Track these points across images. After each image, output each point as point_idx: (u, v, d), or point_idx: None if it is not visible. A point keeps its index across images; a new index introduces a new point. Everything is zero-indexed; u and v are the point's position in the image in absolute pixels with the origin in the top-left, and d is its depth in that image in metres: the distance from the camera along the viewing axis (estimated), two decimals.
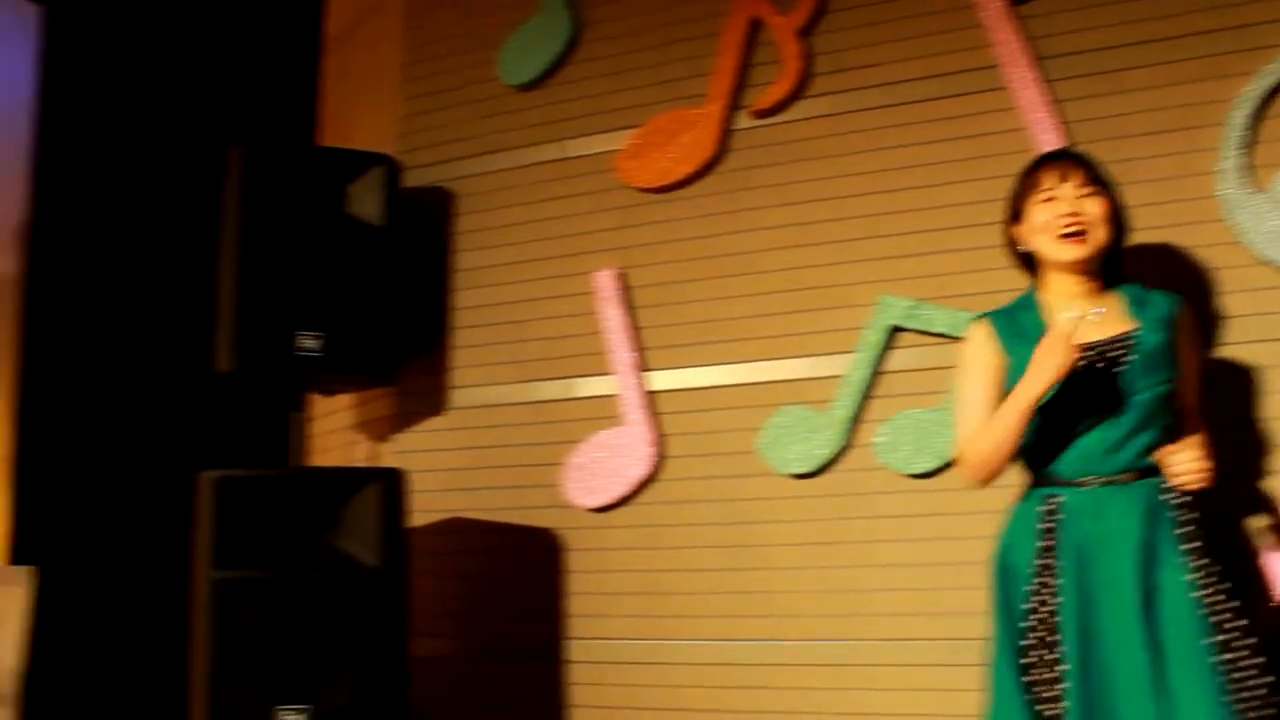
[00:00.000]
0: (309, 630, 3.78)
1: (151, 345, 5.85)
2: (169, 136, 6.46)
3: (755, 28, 4.22)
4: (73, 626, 6.75)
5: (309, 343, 3.95)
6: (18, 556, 6.61)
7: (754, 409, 4.06)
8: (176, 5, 6.87)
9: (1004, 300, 3.22)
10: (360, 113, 5.13)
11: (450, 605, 4.44)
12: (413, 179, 4.57)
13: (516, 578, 4.36)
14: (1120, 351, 2.96)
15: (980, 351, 3.11)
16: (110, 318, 6.60)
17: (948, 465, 3.73)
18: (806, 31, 4.14)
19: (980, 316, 3.19)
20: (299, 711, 3.75)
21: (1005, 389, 3.00)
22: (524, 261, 4.48)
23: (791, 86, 4.14)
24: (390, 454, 4.52)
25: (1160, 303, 3.08)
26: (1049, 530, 2.93)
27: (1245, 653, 2.75)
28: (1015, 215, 3.18)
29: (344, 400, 4.75)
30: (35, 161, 7.48)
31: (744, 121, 4.23)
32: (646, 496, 4.19)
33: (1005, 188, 3.19)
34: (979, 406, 3.05)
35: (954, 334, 3.73)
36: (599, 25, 4.49)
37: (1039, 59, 3.81)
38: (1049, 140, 3.70)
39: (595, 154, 4.43)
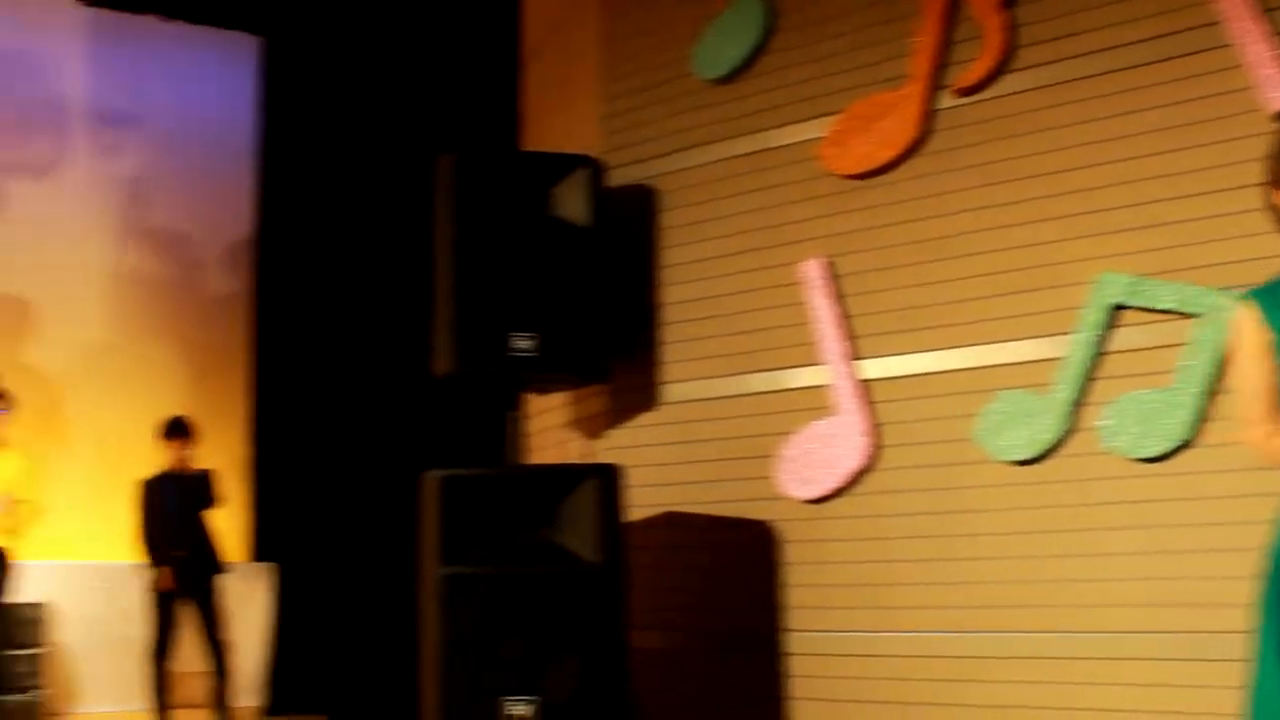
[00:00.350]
0: (532, 624, 3.88)
1: (373, 351, 6.12)
2: (381, 150, 6.74)
3: (955, 3, 4.11)
4: (310, 619, 7.13)
5: (523, 344, 4.05)
6: (259, 554, 7.04)
7: (970, 395, 3.95)
8: (383, 30, 7.18)
9: (1239, 271, 3.04)
10: (561, 117, 5.23)
11: (667, 598, 4.48)
12: (616, 178, 4.63)
13: (733, 570, 4.37)
14: None
15: (1247, 334, 2.90)
16: (333, 327, 6.94)
17: (1182, 447, 3.55)
18: (1009, 3, 4.01)
19: (1243, 296, 2.98)
20: (525, 702, 3.84)
21: None
22: (729, 255, 4.48)
23: (995, 61, 4.01)
24: (604, 450, 4.59)
25: None
26: None
27: None
28: (1276, 177, 2.95)
29: (558, 399, 4.85)
30: (260, 182, 7.93)
31: (947, 101, 4.12)
32: (862, 487, 4.14)
33: (1233, 152, 3.02)
34: (1257, 394, 2.85)
35: (1183, 310, 3.55)
36: (793, 13, 4.45)
37: (1266, 10, 3.58)
38: None
39: (796, 143, 4.39)
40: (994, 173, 4.01)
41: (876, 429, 4.12)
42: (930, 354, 4.05)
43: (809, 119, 4.37)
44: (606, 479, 3.98)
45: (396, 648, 5.19)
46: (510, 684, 3.85)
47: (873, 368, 4.15)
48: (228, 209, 8.86)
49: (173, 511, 6.44)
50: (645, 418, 4.59)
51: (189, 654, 6.55)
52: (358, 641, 5.92)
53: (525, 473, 4.32)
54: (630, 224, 4.66)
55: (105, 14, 8.41)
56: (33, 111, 8.81)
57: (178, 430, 6.57)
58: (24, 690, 6.68)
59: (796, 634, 4.22)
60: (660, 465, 4.49)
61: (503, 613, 3.86)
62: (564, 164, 4.36)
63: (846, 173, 4.27)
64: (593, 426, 4.72)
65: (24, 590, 6.44)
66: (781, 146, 4.43)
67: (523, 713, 3.84)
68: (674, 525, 4.49)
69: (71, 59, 8.92)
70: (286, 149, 7.73)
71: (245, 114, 8.16)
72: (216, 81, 9.03)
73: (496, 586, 3.86)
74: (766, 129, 4.47)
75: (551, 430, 4.93)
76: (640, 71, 4.80)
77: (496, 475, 4.10)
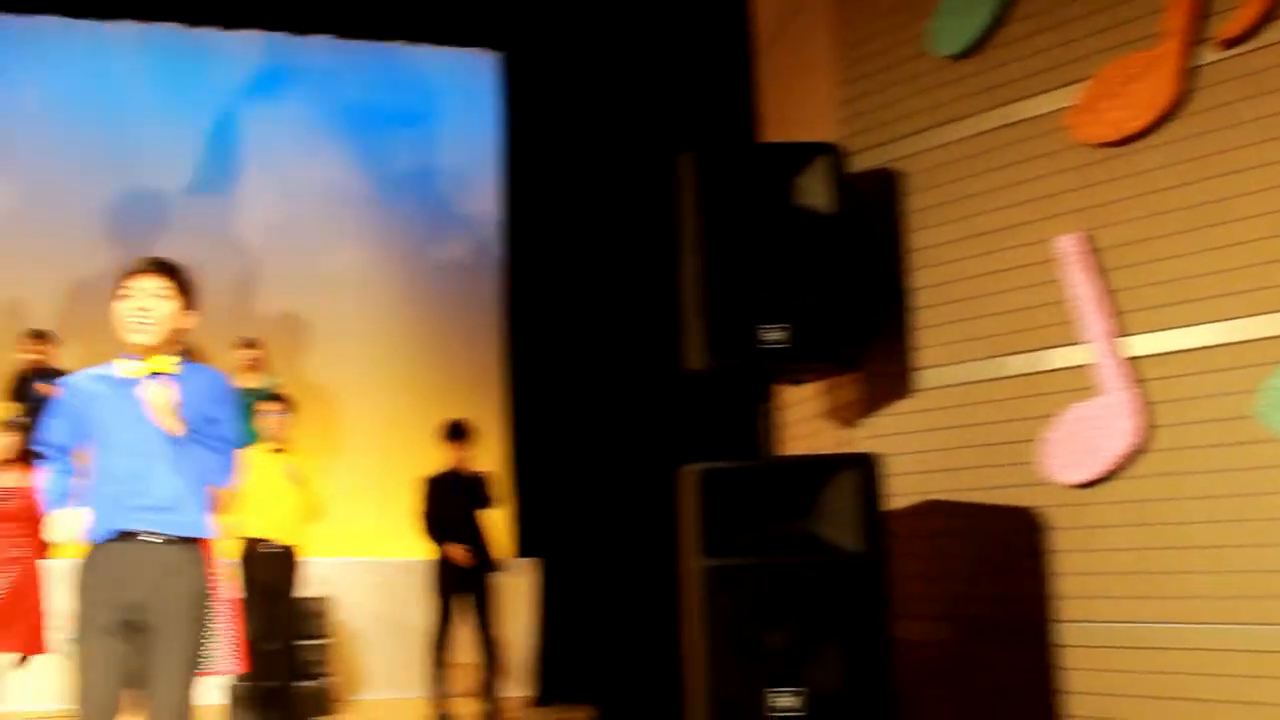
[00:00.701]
0: (795, 615, 3.87)
1: (624, 350, 6.25)
2: (620, 151, 6.87)
3: None
4: (575, 612, 7.35)
5: (774, 335, 4.05)
6: (523, 550, 7.31)
7: (1249, 369, 3.72)
8: (615, 34, 7.31)
9: None
10: (798, 105, 5.20)
11: (930, 588, 4.40)
12: (858, 163, 4.58)
13: (998, 559, 4.25)
14: None
15: None
16: (585, 328, 7.13)
17: None
18: None
19: None
20: (790, 694, 3.84)
21: None
22: (980, 234, 4.36)
23: (1266, 5, 3.74)
24: (860, 439, 4.55)
25: None
26: None
27: None
28: None
29: (810, 389, 4.83)
30: (506, 192, 8.22)
31: (1209, 55, 3.88)
32: (1133, 470, 3.95)
33: None
34: None
35: None
36: None
37: None
38: None
39: (1043, 114, 4.23)
40: (1268, 128, 3.75)
41: (1147, 408, 3.93)
42: (1205, 327, 3.83)
43: (1056, 88, 4.20)
44: (865, 468, 3.94)
45: (660, 639, 5.29)
46: (775, 675, 3.86)
47: (1141, 344, 3.95)
48: (477, 221, 9.25)
49: (452, 510, 6.78)
50: (901, 405, 4.52)
51: (463, 646, 6.87)
52: (622, 634, 6.06)
53: (783, 464, 4.32)
54: (875, 209, 4.59)
55: (362, 42, 8.93)
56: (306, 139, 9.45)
57: (458, 432, 6.91)
58: (314, 678, 7.13)
59: (1068, 625, 4.07)
60: (918, 452, 4.42)
61: (765, 604, 3.87)
62: (804, 153, 4.32)
63: (1100, 141, 4.08)
64: (847, 415, 4.68)
65: (311, 585, 6.90)
66: (1028, 119, 4.28)
67: (788, 704, 3.84)
68: (935, 513, 4.40)
69: (330, 80, 9.51)
70: (529, 157, 7.98)
71: (488, 126, 8.48)
72: (460, 97, 9.43)
73: (758, 578, 3.88)
74: (1012, 101, 4.33)
75: (805, 421, 4.92)
76: (877, 53, 4.72)
77: (754, 468, 4.12)
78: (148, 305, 3.30)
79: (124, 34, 9.07)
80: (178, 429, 3.27)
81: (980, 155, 4.39)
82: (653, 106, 6.82)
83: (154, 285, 3.33)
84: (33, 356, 7.87)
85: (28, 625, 5.98)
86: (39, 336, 8.02)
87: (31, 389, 7.56)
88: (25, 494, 5.91)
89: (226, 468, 3.41)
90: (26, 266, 9.01)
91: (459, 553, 6.64)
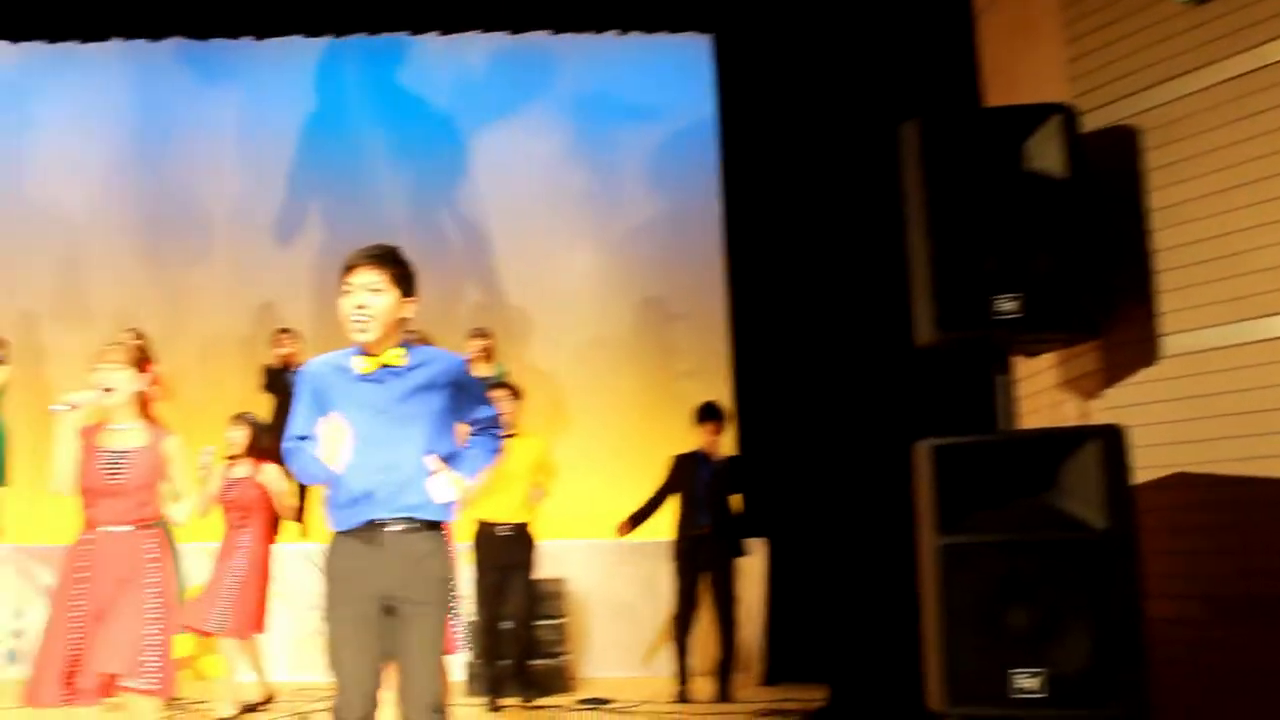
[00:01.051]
0: (1038, 593, 3.74)
1: (850, 325, 6.19)
2: (838, 124, 6.78)
3: None
4: (806, 591, 7.32)
5: (1007, 305, 3.92)
6: (751, 529, 7.33)
7: None
8: (828, 7, 7.21)
9: None
10: (1024, 65, 5.00)
11: (1181, 564, 4.18)
12: (1090, 123, 4.37)
13: (1250, 534, 4.00)
14: None
15: None
16: (810, 304, 7.08)
17: None
18: None
19: None
20: (1033, 675, 3.72)
21: None
22: (1226, 190, 4.10)
23: None
24: (1101, 410, 4.35)
25: None
26: None
27: None
28: None
29: (1047, 359, 4.66)
30: (723, 170, 8.24)
31: None
32: None
33: None
34: None
35: None
36: None
37: None
38: None
39: None
40: None
41: None
42: None
43: None
44: (1110, 440, 3.77)
45: (894, 619, 5.21)
46: (1018, 656, 3.75)
47: None
48: (697, 203, 9.31)
49: (700, 491, 6.88)
50: (1144, 373, 4.30)
51: (702, 626, 6.96)
52: (855, 613, 6.00)
53: (1021, 438, 4.17)
54: (1111, 170, 4.38)
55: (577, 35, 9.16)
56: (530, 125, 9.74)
57: (711, 414, 7.02)
58: (552, 656, 7.34)
59: None
60: (1165, 423, 4.20)
61: (1006, 582, 3.76)
62: (1033, 115, 4.16)
63: None
64: (1087, 386, 4.49)
65: (547, 567, 7.09)
66: (1276, 63, 4.00)
67: (1032, 685, 3.72)
68: (1181, 486, 4.18)
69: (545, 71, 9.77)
70: (747, 138, 7.98)
71: (705, 110, 8.51)
72: (673, 83, 9.52)
73: (998, 555, 3.77)
74: (1256, 46, 4.04)
75: (1043, 393, 4.74)
76: (1106, 4, 4.49)
77: (991, 442, 3.99)
78: (364, 301, 3.31)
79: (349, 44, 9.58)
80: (409, 420, 3.32)
81: (1225, 105, 4.12)
82: (869, 76, 6.69)
83: (369, 279, 3.32)
84: (283, 352, 8.38)
85: (255, 608, 6.33)
86: (287, 333, 8.53)
87: (282, 383, 8.06)
88: (254, 485, 6.27)
89: (489, 449, 3.50)
90: (280, 270, 9.63)
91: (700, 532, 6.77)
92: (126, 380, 4.35)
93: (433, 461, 3.37)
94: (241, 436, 6.36)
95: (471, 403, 3.50)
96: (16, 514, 8.59)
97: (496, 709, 6.66)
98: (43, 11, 8.80)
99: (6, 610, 8.04)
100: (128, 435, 4.34)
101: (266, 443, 6.39)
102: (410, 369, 3.37)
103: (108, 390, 4.32)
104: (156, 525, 4.38)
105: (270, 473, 6.33)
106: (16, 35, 9.12)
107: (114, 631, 4.18)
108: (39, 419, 4.27)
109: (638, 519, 6.96)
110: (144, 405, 4.46)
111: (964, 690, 3.79)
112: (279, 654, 7.31)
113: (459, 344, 7.74)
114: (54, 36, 9.13)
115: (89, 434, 4.35)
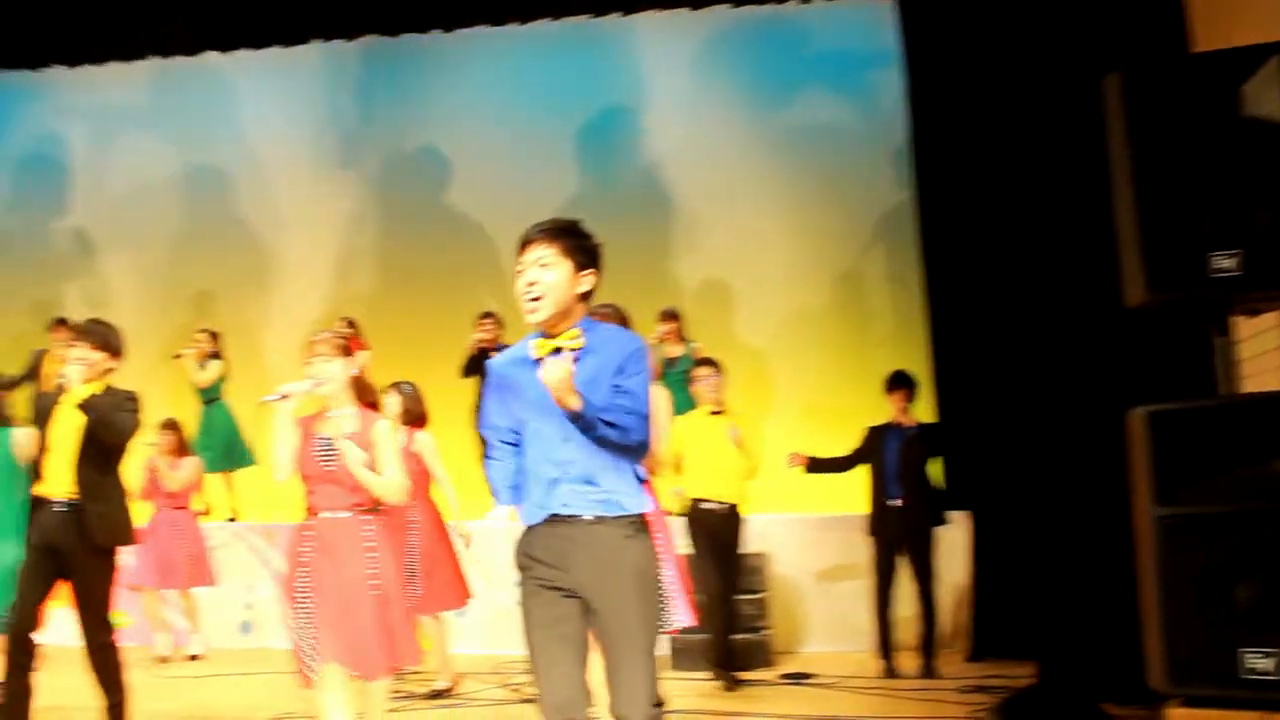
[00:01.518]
0: (1269, 566, 3.53)
1: (1054, 289, 5.94)
2: (1032, 78, 6.51)
3: None
4: (1012, 564, 7.10)
5: (1225, 262, 3.68)
6: (955, 502, 7.14)
7: None
8: None
9: None
10: (1236, 6, 4.70)
11: None
12: None
13: None
14: None
15: None
16: (1009, 268, 6.83)
17: None
18: None
19: None
20: (1266, 654, 3.51)
21: None
22: None
23: None
24: None
25: None
26: None
27: None
28: None
29: (1270, 319, 4.38)
30: (913, 136, 8.02)
31: None
32: None
33: None
34: None
35: None
36: None
37: None
38: None
39: None
40: None
41: None
42: None
43: None
44: None
45: (1108, 593, 5.00)
46: (1245, 634, 3.53)
47: None
48: (887, 172, 9.14)
49: (891, 461, 6.75)
50: None
51: (903, 599, 6.83)
52: (1064, 587, 5.79)
53: (1244, 401, 3.93)
54: None
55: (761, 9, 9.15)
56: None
57: (900, 382, 6.87)
58: (754, 630, 7.33)
59: None
60: None
61: (1233, 555, 3.54)
62: (1250, 57, 3.87)
63: None
64: None
65: (749, 541, 7.08)
66: None
67: (1264, 666, 3.51)
68: None
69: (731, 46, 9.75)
70: (936, 102, 7.76)
71: (893, 78, 8.32)
72: (858, 51, 9.37)
73: (1224, 527, 3.56)
74: None
75: (1268, 354, 4.46)
76: None
77: (1211, 407, 3.77)
78: (533, 278, 3.13)
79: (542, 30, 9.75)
80: (575, 405, 3.05)
81: None
82: (1064, 27, 6.39)
83: (539, 254, 3.14)
84: (484, 335, 8.58)
85: (450, 579, 6.39)
86: (489, 317, 8.73)
87: (482, 368, 8.27)
88: (410, 455, 6.20)
89: (630, 440, 3.15)
90: (479, 253, 9.89)
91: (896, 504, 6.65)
92: (338, 370, 4.51)
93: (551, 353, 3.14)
94: (395, 404, 6.39)
95: (627, 391, 3.16)
96: (254, 494, 9.13)
97: (715, 683, 6.67)
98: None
99: (240, 585, 8.53)
100: (341, 422, 4.50)
101: (419, 410, 6.48)
102: (584, 351, 3.17)
103: (319, 384, 4.49)
104: (375, 510, 4.52)
105: (423, 440, 6.42)
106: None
107: (342, 631, 4.32)
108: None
109: (817, 464, 6.84)
110: (360, 391, 4.61)
111: (1189, 670, 3.60)
112: (476, 627, 7.52)
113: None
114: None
115: (308, 422, 4.53)
